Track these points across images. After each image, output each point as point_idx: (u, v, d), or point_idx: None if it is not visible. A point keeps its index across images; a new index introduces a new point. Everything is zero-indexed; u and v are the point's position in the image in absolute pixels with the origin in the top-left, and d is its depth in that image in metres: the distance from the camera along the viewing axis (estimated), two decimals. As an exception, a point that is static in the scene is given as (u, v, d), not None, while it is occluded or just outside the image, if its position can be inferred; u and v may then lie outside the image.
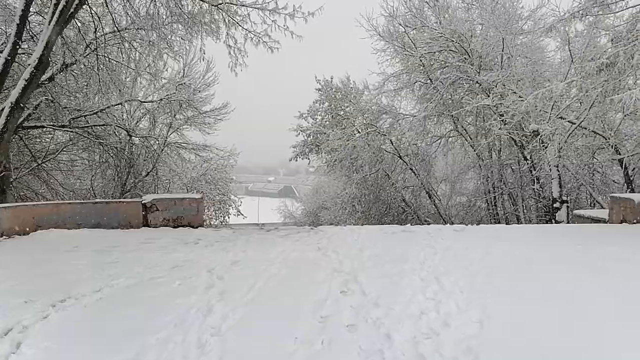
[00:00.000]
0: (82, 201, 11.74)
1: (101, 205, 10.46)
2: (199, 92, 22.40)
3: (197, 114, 23.96)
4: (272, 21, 11.73)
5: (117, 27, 14.43)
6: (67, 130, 17.20)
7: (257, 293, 5.90)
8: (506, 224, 20.73)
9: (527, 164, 18.25)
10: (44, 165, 19.25)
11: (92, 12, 14.76)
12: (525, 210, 20.12)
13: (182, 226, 10.64)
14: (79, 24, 15.44)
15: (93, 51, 15.50)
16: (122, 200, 11.23)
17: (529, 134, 17.45)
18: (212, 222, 29.90)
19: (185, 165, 28.14)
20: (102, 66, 16.52)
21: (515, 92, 17.48)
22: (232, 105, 25.10)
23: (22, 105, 11.64)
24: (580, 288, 6.10)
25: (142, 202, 10.61)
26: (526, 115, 17.18)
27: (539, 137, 16.23)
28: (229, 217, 30.31)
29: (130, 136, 18.82)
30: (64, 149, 19.45)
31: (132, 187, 23.21)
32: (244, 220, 38.86)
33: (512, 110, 17.21)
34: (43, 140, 19.33)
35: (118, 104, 18.32)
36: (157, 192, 24.04)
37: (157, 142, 22.26)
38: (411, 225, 20.68)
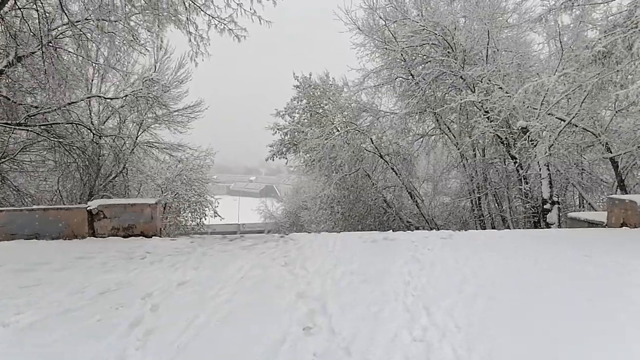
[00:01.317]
0: (16, 208, 10.21)
1: (39, 212, 8.90)
2: (170, 88, 20.78)
3: (169, 112, 22.36)
4: (238, 4, 10.23)
5: (69, 19, 12.78)
6: (23, 129, 15.52)
7: (194, 333, 4.46)
8: (492, 226, 19.52)
9: (514, 163, 17.01)
10: (2, 166, 17.65)
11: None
12: (511, 212, 18.89)
13: (134, 235, 9.14)
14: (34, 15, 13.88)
15: (47, 44, 13.89)
16: (63, 206, 9.68)
17: (516, 131, 16.21)
18: (188, 224, 28.36)
19: (159, 166, 26.56)
20: (58, 60, 15.01)
21: (501, 88, 16.23)
22: (207, 104, 23.58)
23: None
24: (602, 315, 4.77)
25: (87, 208, 9.08)
26: (513, 111, 15.96)
27: (527, 134, 14.98)
28: (205, 219, 28.76)
29: (94, 135, 17.16)
30: (24, 149, 17.76)
31: (100, 190, 21.62)
32: (222, 222, 37.43)
33: (498, 107, 15.99)
34: None
35: (79, 101, 16.64)
36: (128, 194, 22.47)
37: (124, 141, 20.62)
38: (393, 231, 19.32)
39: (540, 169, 15.47)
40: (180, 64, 22.00)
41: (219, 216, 29.03)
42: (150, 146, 23.02)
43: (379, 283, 6.03)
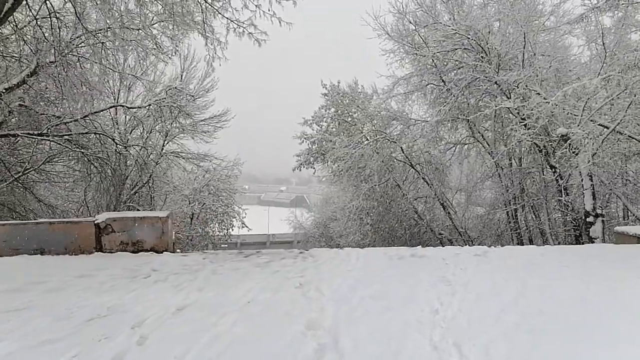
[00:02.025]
0: (20, 221, 9.77)
1: (45, 225, 8.41)
2: (195, 98, 20.40)
3: (194, 122, 22.03)
4: (256, 6, 9.64)
5: (85, 28, 12.42)
6: (45, 139, 15.25)
7: (179, 374, 3.79)
8: (529, 239, 18.41)
9: (553, 172, 15.95)
10: (29, 177, 17.49)
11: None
12: (550, 224, 17.75)
13: (144, 251, 8.58)
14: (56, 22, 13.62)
15: (67, 53, 13.63)
16: (70, 219, 9.17)
17: (555, 139, 15.17)
18: (215, 235, 27.98)
19: (187, 177, 26.29)
20: (80, 70, 14.76)
21: (539, 94, 15.23)
22: (235, 112, 23.20)
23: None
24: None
25: (95, 221, 8.56)
26: (552, 118, 14.95)
27: (568, 142, 13.94)
28: (232, 230, 28.36)
29: (117, 145, 16.82)
30: (48, 160, 17.52)
31: (127, 200, 21.36)
32: (252, 232, 37.03)
33: (536, 113, 14.96)
34: (23, 151, 17.45)
35: (101, 111, 16.34)
36: (154, 205, 22.14)
37: (147, 151, 20.31)
38: (424, 245, 18.43)
39: (582, 179, 14.40)
40: (206, 73, 21.77)
41: (247, 227, 28.61)
42: (176, 156, 22.65)
43: (402, 311, 5.26)
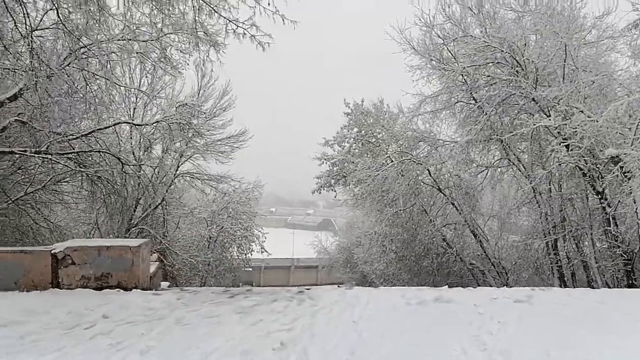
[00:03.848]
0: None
1: (-9, 256, 6.91)
2: (205, 115, 19.04)
3: (211, 141, 20.72)
4: (255, 1, 8.11)
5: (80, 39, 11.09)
6: (43, 157, 13.95)
7: None
8: (572, 274, 16.27)
9: (599, 199, 13.90)
10: (39, 197, 16.30)
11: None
12: (596, 257, 15.55)
13: (110, 287, 6.99)
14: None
15: (64, 67, 12.38)
16: (22, 248, 7.67)
17: (603, 161, 13.18)
18: (233, 260, 26.46)
19: (205, 199, 24.94)
20: (83, 83, 13.55)
21: (582, 111, 13.33)
22: (250, 133, 21.78)
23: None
24: None
25: (52, 251, 7.01)
26: (600, 138, 12.99)
27: (619, 165, 11.96)
28: (251, 254, 26.82)
29: (124, 164, 15.46)
30: (57, 180, 16.28)
31: (139, 222, 20.03)
32: (276, 256, 35.43)
33: (580, 132, 13.06)
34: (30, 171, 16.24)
35: (106, 127, 15.01)
36: (167, 228, 20.73)
37: (154, 171, 18.99)
38: (451, 278, 16.45)
39: (636, 207, 12.32)
40: (223, 91, 20.45)
41: (266, 252, 27.05)
42: (192, 177, 21.26)
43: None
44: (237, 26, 8.88)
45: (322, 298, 6.77)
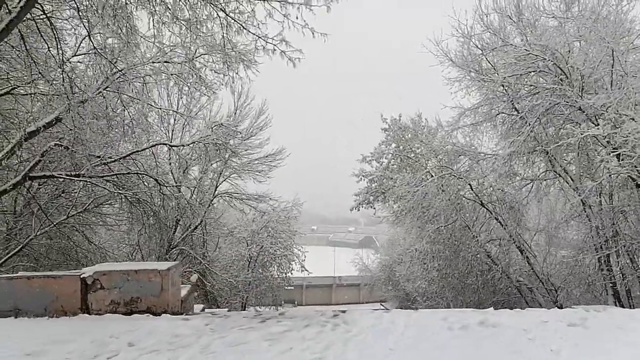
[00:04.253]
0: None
1: (21, 282, 6.77)
2: (240, 134, 18.95)
3: (249, 160, 20.64)
4: (284, 15, 7.84)
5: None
6: (82, 180, 14.07)
7: None
8: (627, 291, 15.24)
9: (656, 211, 13.00)
10: (83, 220, 16.50)
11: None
12: (654, 274, 14.53)
13: (139, 312, 6.75)
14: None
15: (99, 92, 12.45)
16: (50, 273, 7.51)
17: (658, 170, 12.33)
18: (273, 279, 26.16)
19: (244, 218, 24.82)
20: (120, 107, 13.68)
21: (633, 119, 12.53)
22: (288, 151, 21.61)
23: None
24: None
25: (81, 276, 6.84)
26: (653, 145, 12.16)
27: (676, 174, 11.12)
28: (291, 273, 26.47)
29: (162, 186, 15.45)
30: (97, 203, 16.44)
31: (180, 242, 20.03)
32: (318, 274, 35.05)
33: (632, 141, 12.25)
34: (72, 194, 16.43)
35: (143, 150, 15.05)
36: (206, 248, 20.63)
37: (191, 191, 18.97)
38: (498, 296, 15.72)
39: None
40: (260, 111, 20.35)
41: (306, 270, 26.66)
42: (230, 197, 21.18)
43: None
44: (267, 42, 8.66)
45: (357, 322, 6.34)
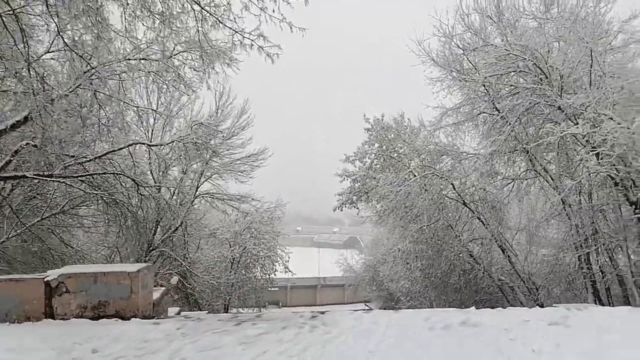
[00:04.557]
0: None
1: (-16, 286, 6.45)
2: (221, 133, 18.68)
3: (230, 160, 20.36)
4: (261, 9, 7.60)
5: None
6: (55, 181, 13.67)
7: None
8: (607, 289, 15.25)
9: (634, 210, 12.99)
10: (60, 221, 16.09)
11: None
12: (633, 272, 14.50)
13: (107, 317, 6.47)
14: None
15: (72, 90, 12.09)
16: (13, 277, 7.16)
17: (637, 169, 12.31)
18: (257, 280, 25.87)
19: (227, 219, 24.50)
20: (96, 104, 13.32)
21: (612, 118, 12.51)
22: (270, 150, 21.35)
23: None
24: None
25: (45, 279, 6.53)
26: (633, 145, 12.13)
27: (655, 173, 11.10)
28: (275, 274, 26.19)
29: (139, 186, 15.09)
30: (75, 204, 16.02)
31: (160, 244, 19.65)
32: (300, 276, 34.80)
33: (611, 140, 12.22)
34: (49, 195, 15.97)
35: (120, 149, 14.66)
36: (187, 250, 20.28)
37: (170, 191, 18.64)
38: (480, 295, 15.62)
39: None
40: (242, 110, 20.08)
41: (290, 271, 26.42)
42: (212, 197, 20.86)
43: None
44: (244, 37, 8.42)
45: (337, 324, 6.15)
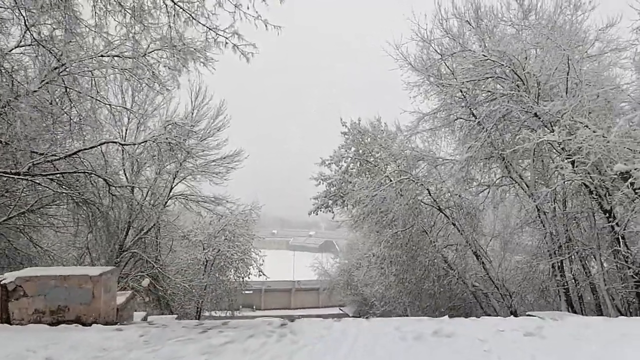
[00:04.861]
0: None
1: None
2: (195, 133, 18.30)
3: (206, 162, 19.97)
4: (235, 6, 7.33)
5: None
6: (23, 179, 13.14)
7: None
8: (579, 296, 15.30)
9: (607, 218, 13.01)
10: (29, 221, 15.52)
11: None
12: (605, 280, 14.56)
13: (67, 322, 6.09)
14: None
15: (41, 86, 11.67)
16: None
17: (612, 177, 12.31)
18: (230, 284, 25.47)
19: (201, 221, 24.04)
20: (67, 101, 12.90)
21: (587, 126, 12.50)
22: (246, 152, 21.00)
23: None
24: None
25: (1, 282, 6.14)
26: (608, 153, 12.13)
27: (629, 181, 11.09)
28: (248, 277, 25.81)
29: (111, 186, 14.62)
30: (45, 204, 15.45)
31: (132, 246, 19.13)
32: (275, 279, 34.46)
33: (586, 148, 12.21)
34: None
35: (91, 148, 14.18)
36: (159, 252, 19.81)
37: (142, 192, 18.19)
38: (453, 301, 15.54)
39: (649, 227, 11.44)
40: (218, 111, 19.72)
41: (264, 275, 26.07)
42: (186, 199, 20.42)
43: None
44: (218, 34, 8.13)
45: (305, 333, 5.87)
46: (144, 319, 8.00)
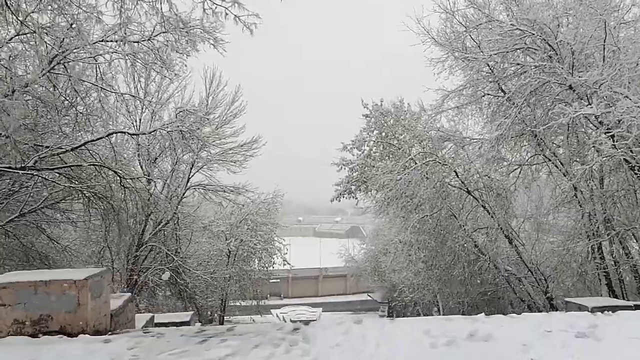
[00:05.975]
0: None
1: None
2: (208, 120, 17.62)
3: (223, 150, 19.35)
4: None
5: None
6: (29, 173, 12.61)
7: None
8: (620, 280, 14.24)
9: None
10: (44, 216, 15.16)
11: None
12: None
13: (50, 333, 5.44)
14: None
15: (43, 74, 11.12)
16: None
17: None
18: (254, 273, 24.97)
19: (222, 211, 23.52)
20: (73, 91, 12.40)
21: (628, 97, 11.40)
22: (264, 139, 20.28)
23: None
24: None
25: (-23, 290, 5.51)
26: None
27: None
28: (272, 267, 25.29)
29: (122, 178, 14.05)
30: (50, 199, 14.97)
31: (151, 238, 18.67)
32: (302, 267, 33.97)
33: (628, 120, 11.14)
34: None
35: (99, 139, 13.59)
36: (179, 244, 19.31)
37: (153, 184, 17.66)
38: (487, 289, 14.77)
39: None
40: (234, 98, 19.02)
41: (288, 264, 25.54)
42: (204, 189, 19.85)
43: None
44: (216, 4, 7.37)
45: (318, 340, 5.12)
46: (149, 321, 7.37)
